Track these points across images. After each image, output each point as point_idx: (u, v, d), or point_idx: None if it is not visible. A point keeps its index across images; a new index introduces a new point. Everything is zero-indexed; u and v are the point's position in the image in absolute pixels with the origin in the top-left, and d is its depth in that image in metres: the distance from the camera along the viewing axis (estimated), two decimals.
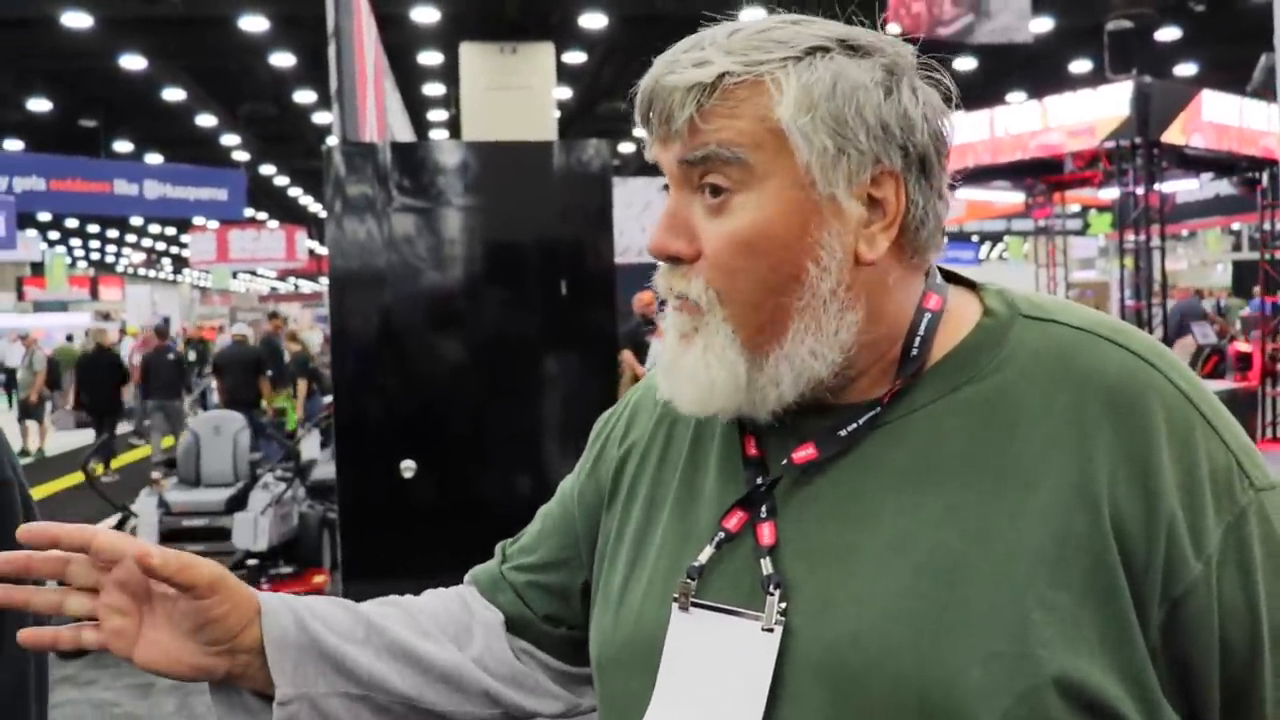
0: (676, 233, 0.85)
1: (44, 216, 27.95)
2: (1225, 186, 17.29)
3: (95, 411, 12.91)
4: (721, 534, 0.87)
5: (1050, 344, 0.85)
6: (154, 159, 23.42)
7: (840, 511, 0.84)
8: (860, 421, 0.85)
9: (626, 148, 23.16)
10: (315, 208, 35.99)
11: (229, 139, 23.09)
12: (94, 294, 34.73)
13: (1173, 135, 10.58)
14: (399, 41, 14.07)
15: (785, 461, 0.87)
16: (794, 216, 0.82)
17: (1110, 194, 12.93)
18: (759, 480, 0.88)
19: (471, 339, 5.17)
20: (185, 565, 0.87)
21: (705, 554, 0.87)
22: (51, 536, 0.86)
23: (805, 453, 0.86)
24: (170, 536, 6.26)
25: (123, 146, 23.45)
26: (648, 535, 0.95)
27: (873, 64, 0.82)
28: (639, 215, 15.21)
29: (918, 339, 0.86)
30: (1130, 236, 11.13)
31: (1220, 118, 11.08)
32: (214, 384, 12.36)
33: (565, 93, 18.98)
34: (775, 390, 0.85)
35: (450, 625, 1.04)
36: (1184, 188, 16.23)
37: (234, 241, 24.30)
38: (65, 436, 15.94)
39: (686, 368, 0.86)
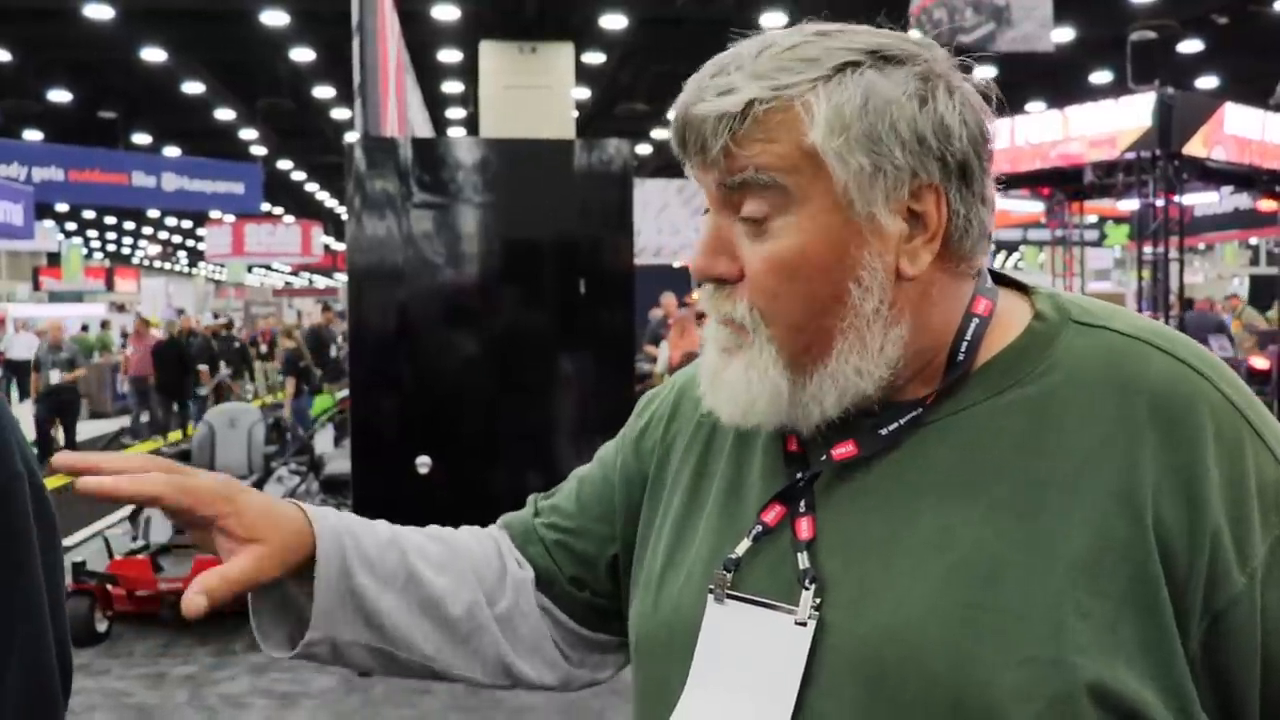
0: (719, 254, 0.85)
1: (61, 207, 28.08)
2: (1244, 200, 17.22)
3: (166, 395, 14.13)
4: (759, 527, 0.88)
5: (1099, 350, 0.84)
6: (172, 152, 23.49)
7: (879, 509, 0.84)
8: (902, 421, 0.85)
9: (644, 149, 23.17)
10: (332, 203, 36.08)
11: (247, 133, 23.16)
12: (109, 285, 34.86)
13: (1194, 147, 10.54)
14: (419, 38, 14.08)
15: (825, 457, 0.87)
16: (834, 238, 0.82)
17: (1129, 205, 12.87)
18: (798, 475, 0.88)
19: (489, 336, 5.17)
20: (184, 492, 0.86)
21: (742, 546, 0.88)
22: (91, 465, 0.86)
23: (845, 449, 0.86)
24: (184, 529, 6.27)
25: (141, 139, 23.55)
26: (689, 524, 0.95)
27: (905, 74, 0.81)
28: (656, 216, 15.22)
29: (964, 344, 0.86)
30: (1148, 248, 11.09)
31: (1243, 131, 11.03)
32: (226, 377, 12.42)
33: (584, 93, 18.99)
34: (818, 407, 0.85)
35: (488, 575, 1.04)
36: (1204, 200, 16.16)
37: (250, 235, 24.41)
38: (80, 426, 16.00)
39: (728, 382, 0.87)
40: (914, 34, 0.96)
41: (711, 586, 0.87)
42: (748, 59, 0.82)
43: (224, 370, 14.35)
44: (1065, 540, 0.78)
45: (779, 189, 0.81)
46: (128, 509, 7.01)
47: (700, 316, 0.92)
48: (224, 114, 21.46)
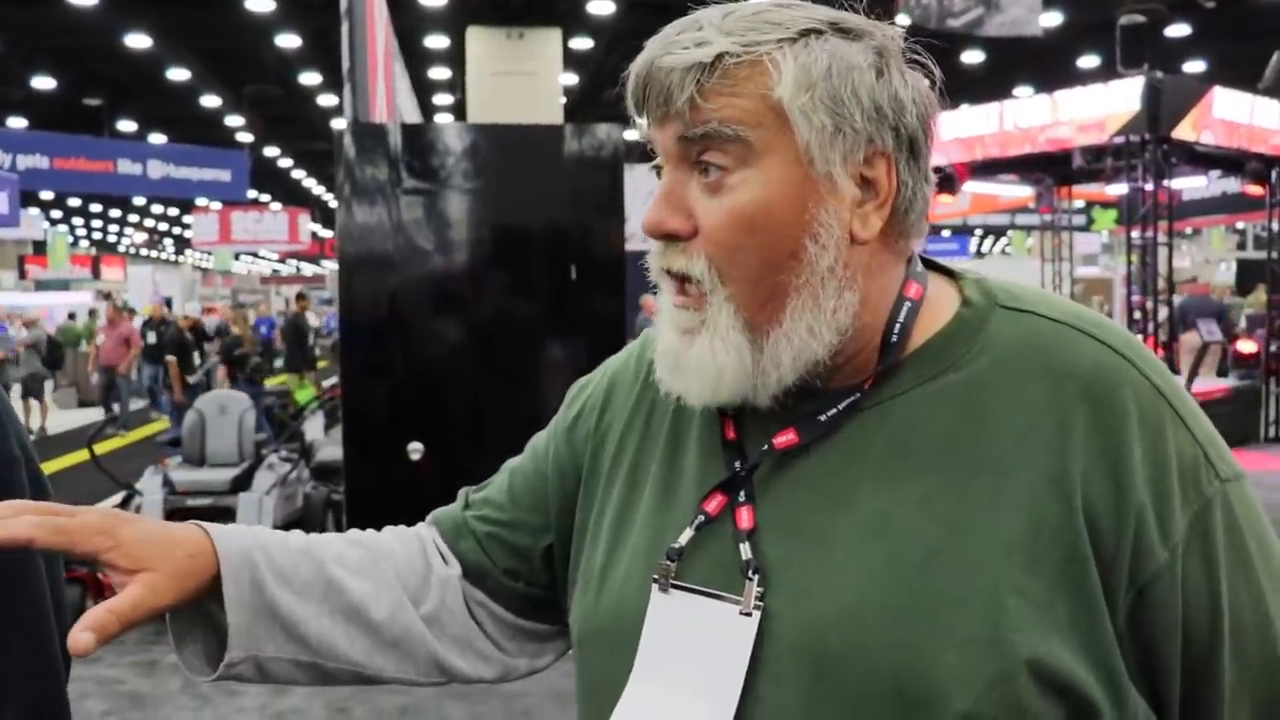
0: (673, 210, 0.85)
1: (47, 195, 27.91)
2: (1231, 184, 17.27)
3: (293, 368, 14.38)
4: (701, 517, 0.88)
5: (1027, 335, 0.86)
6: (158, 139, 23.38)
7: (819, 497, 0.85)
8: (840, 407, 0.87)
9: (632, 134, 23.08)
10: (319, 190, 35.96)
11: (233, 120, 23.05)
12: (96, 274, 34.69)
13: (1183, 131, 10.56)
14: (406, 24, 14.03)
15: (766, 447, 0.88)
16: (793, 193, 0.83)
17: (1117, 189, 12.90)
18: (738, 464, 0.89)
19: (480, 322, 5.16)
20: (65, 533, 0.84)
21: (685, 536, 0.88)
22: None
23: (786, 438, 0.87)
24: (174, 515, 6.26)
25: (126, 126, 23.42)
26: (628, 515, 0.96)
27: (864, 47, 0.84)
28: (645, 201, 15.17)
29: (897, 326, 0.87)
30: (1137, 233, 11.12)
31: (1231, 115, 11.06)
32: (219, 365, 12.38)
33: (571, 79, 18.94)
34: (776, 372, 0.85)
35: (411, 576, 1.03)
36: (1192, 184, 16.20)
37: (236, 223, 24.30)
38: (67, 415, 15.96)
39: (694, 362, 0.86)
40: (902, 19, 0.96)
41: (656, 576, 0.88)
42: (716, 18, 0.84)
43: (212, 359, 14.17)
44: (999, 523, 0.80)
45: (742, 142, 0.82)
46: (118, 495, 6.99)
47: (652, 290, 0.91)
48: (210, 101, 21.35)
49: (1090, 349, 0.85)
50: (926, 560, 0.80)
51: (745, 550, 0.85)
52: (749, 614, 0.83)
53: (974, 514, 0.80)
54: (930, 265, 0.94)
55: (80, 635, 0.80)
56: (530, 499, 1.07)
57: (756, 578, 0.84)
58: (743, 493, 0.88)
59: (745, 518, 0.87)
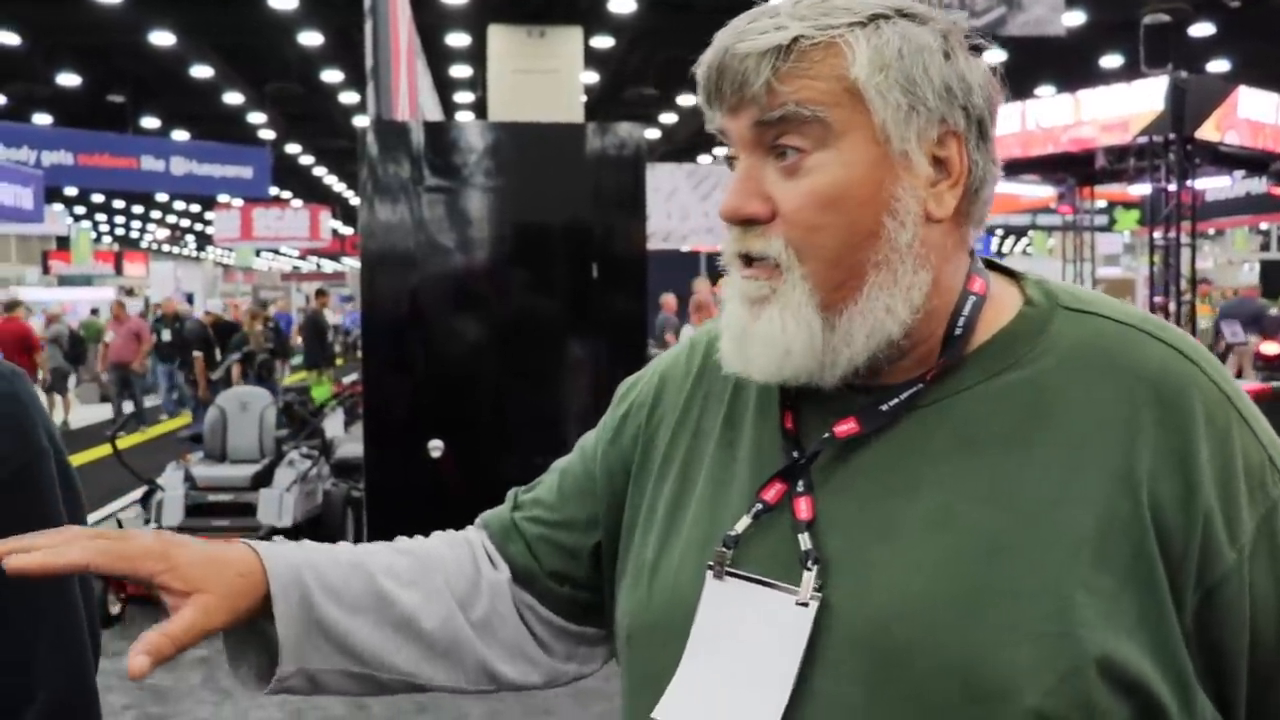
0: (751, 195, 0.86)
1: (70, 191, 28.10)
2: (1255, 185, 17.14)
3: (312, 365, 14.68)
4: (759, 505, 0.88)
5: (1091, 336, 0.87)
6: (181, 135, 23.49)
7: (881, 488, 0.85)
8: (903, 397, 0.87)
9: (652, 133, 23.11)
10: (340, 187, 36.07)
11: (255, 117, 23.14)
12: (118, 269, 34.93)
13: (1207, 131, 10.48)
14: (427, 22, 14.04)
15: (827, 435, 0.88)
16: (871, 172, 0.84)
17: (1140, 190, 12.82)
18: (795, 454, 0.89)
19: (501, 321, 5.17)
20: (122, 559, 0.85)
21: (743, 524, 0.88)
22: (19, 545, 0.84)
23: (847, 426, 0.87)
24: (196, 511, 6.29)
25: (150, 122, 23.53)
26: (681, 507, 0.95)
27: (930, 30, 0.86)
28: (665, 201, 15.20)
29: (962, 319, 0.88)
30: (1159, 233, 11.05)
31: (1256, 115, 10.97)
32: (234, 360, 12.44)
33: (592, 77, 18.94)
34: (847, 350, 0.86)
35: (460, 583, 1.03)
36: (1216, 185, 16.09)
37: (258, 220, 24.43)
38: (88, 410, 16.07)
39: (761, 333, 0.87)
40: None
41: (711, 563, 0.88)
42: (786, 6, 0.86)
43: (231, 356, 14.13)
44: (1068, 518, 0.80)
45: (820, 123, 0.84)
46: (140, 490, 7.03)
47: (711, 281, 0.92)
48: (232, 98, 21.43)
49: (1156, 351, 0.85)
50: (993, 554, 0.80)
51: (804, 540, 0.85)
52: (805, 604, 0.83)
53: (1040, 510, 0.81)
54: (990, 265, 0.95)
55: (136, 659, 0.81)
56: (579, 498, 1.06)
57: (816, 569, 0.83)
58: (801, 482, 0.88)
59: (804, 508, 0.87)
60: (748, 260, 0.88)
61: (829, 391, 0.89)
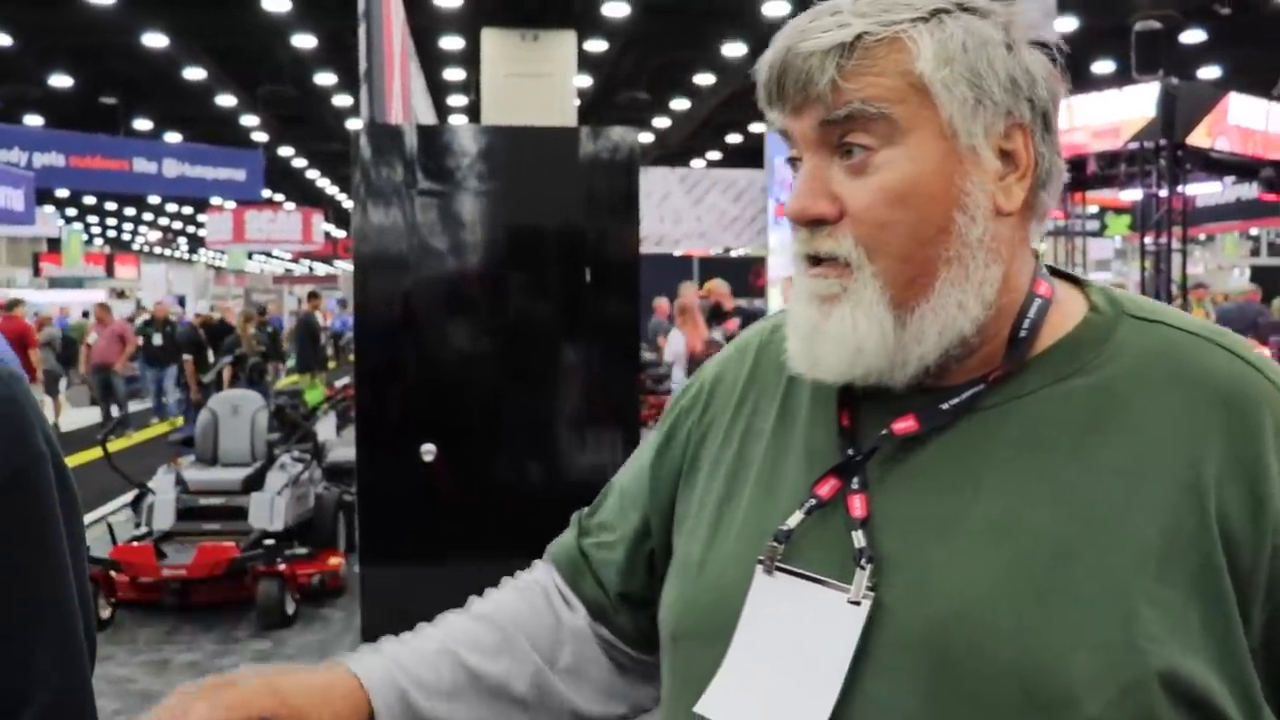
0: (818, 195, 0.85)
1: (62, 193, 28.02)
2: (1245, 190, 17.19)
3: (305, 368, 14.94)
4: (813, 500, 0.87)
5: (1158, 345, 0.86)
6: (173, 138, 23.43)
7: (939, 488, 0.84)
8: (964, 397, 0.86)
9: (645, 137, 23.11)
10: (332, 190, 36.01)
11: (248, 119, 23.09)
12: (110, 271, 34.83)
13: (1198, 138, 10.52)
14: (420, 25, 14.04)
15: (885, 432, 0.87)
16: (940, 167, 0.84)
17: (1131, 195, 12.86)
18: (850, 450, 0.88)
19: (494, 324, 5.16)
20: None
21: (795, 519, 0.87)
22: None
23: (906, 424, 0.86)
24: (187, 514, 6.27)
25: (142, 124, 23.48)
26: (731, 504, 0.95)
27: (992, 23, 0.85)
28: (658, 205, 15.21)
29: (1027, 321, 0.87)
30: (1150, 239, 11.08)
31: (1246, 121, 11.02)
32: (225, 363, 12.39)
33: (585, 81, 18.94)
34: (919, 348, 0.85)
35: (543, 637, 1.05)
36: (1206, 190, 16.14)
37: (250, 222, 24.35)
38: (79, 413, 16.01)
39: (832, 331, 0.86)
40: None
41: (761, 558, 0.87)
42: (846, 3, 0.85)
43: (222, 360, 14.01)
44: (1133, 527, 0.79)
45: (886, 120, 0.83)
46: (130, 494, 7.01)
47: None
48: (225, 100, 21.39)
49: (1223, 360, 0.84)
50: (1055, 560, 0.78)
51: (858, 538, 0.84)
52: (857, 603, 0.81)
53: (1105, 518, 0.79)
54: (1053, 271, 0.94)
55: None
56: (634, 511, 1.07)
57: (869, 568, 0.82)
58: (856, 479, 0.87)
59: (858, 505, 0.85)
60: (814, 260, 0.87)
61: (888, 391, 0.88)
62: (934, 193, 0.83)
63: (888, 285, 0.84)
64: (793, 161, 0.89)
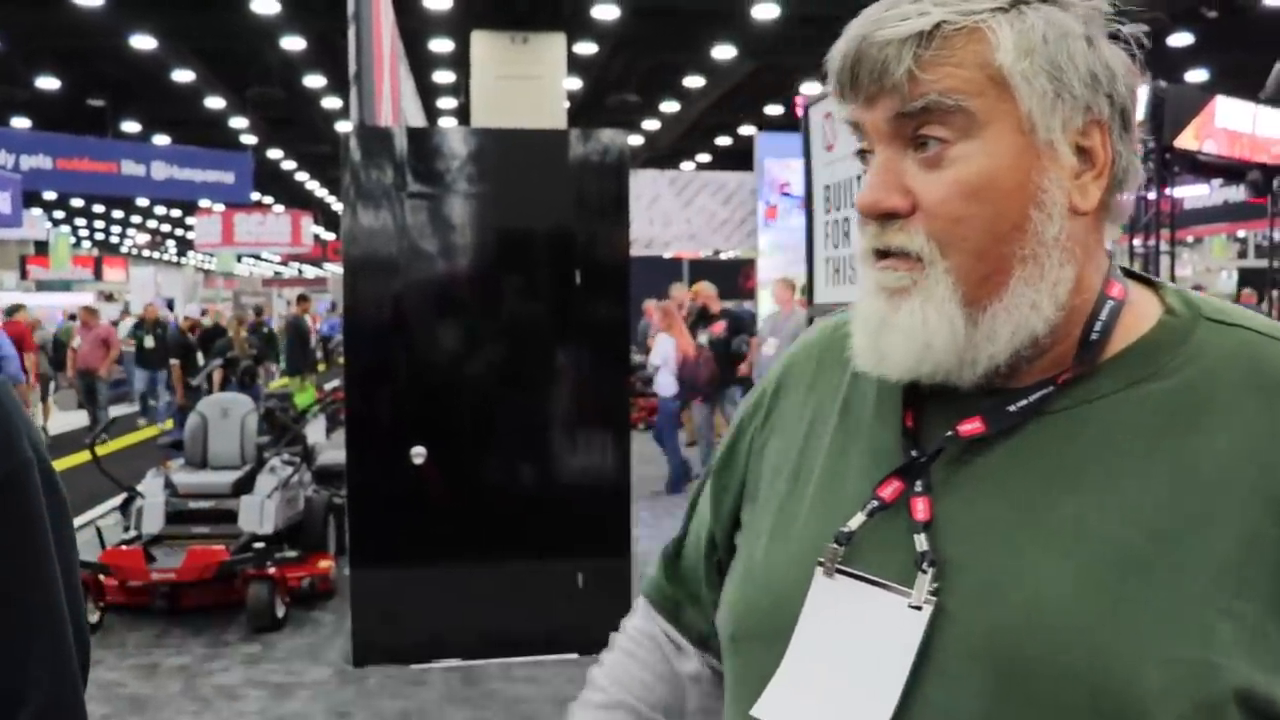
0: (890, 188, 0.83)
1: (49, 195, 27.91)
2: (1232, 193, 17.27)
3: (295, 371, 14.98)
4: (875, 502, 0.85)
5: (1238, 349, 0.84)
6: (161, 140, 23.37)
7: (1007, 493, 0.82)
8: (1031, 399, 0.84)
9: (634, 140, 23.12)
10: (321, 193, 35.95)
11: (237, 122, 23.05)
12: (98, 274, 34.70)
13: (1185, 140, 10.54)
14: (410, 27, 14.02)
15: (949, 434, 0.84)
16: (1017, 162, 0.81)
17: None
18: (914, 452, 0.86)
19: (484, 327, 5.16)
20: None
21: (856, 521, 0.85)
22: None
23: (972, 426, 0.84)
24: (176, 518, 6.25)
25: (130, 127, 23.40)
26: (792, 505, 0.93)
27: (1073, 15, 0.83)
28: (648, 207, 15.19)
29: (1099, 324, 0.85)
30: (1139, 241, 11.11)
31: (1233, 124, 11.05)
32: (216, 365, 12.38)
33: (575, 83, 18.94)
34: (990, 347, 0.83)
35: (667, 695, 1.08)
36: (1194, 193, 16.21)
37: (239, 225, 24.30)
38: (67, 416, 15.94)
39: (901, 325, 0.83)
40: None
41: (821, 560, 0.85)
42: None
43: (212, 362, 13.92)
44: (1210, 539, 0.76)
45: (964, 113, 0.81)
46: (119, 498, 6.98)
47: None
48: (214, 102, 21.34)
49: None
50: (1128, 570, 0.76)
51: (920, 542, 0.81)
52: (918, 608, 0.80)
53: (1182, 529, 0.76)
54: (1127, 273, 0.92)
55: None
56: (704, 527, 1.06)
57: (931, 571, 0.80)
58: (920, 482, 0.84)
59: (921, 508, 0.83)
60: (882, 254, 0.85)
61: (954, 391, 0.85)
62: (1010, 188, 0.81)
63: (960, 282, 0.82)
64: (862, 154, 0.87)
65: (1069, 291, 0.83)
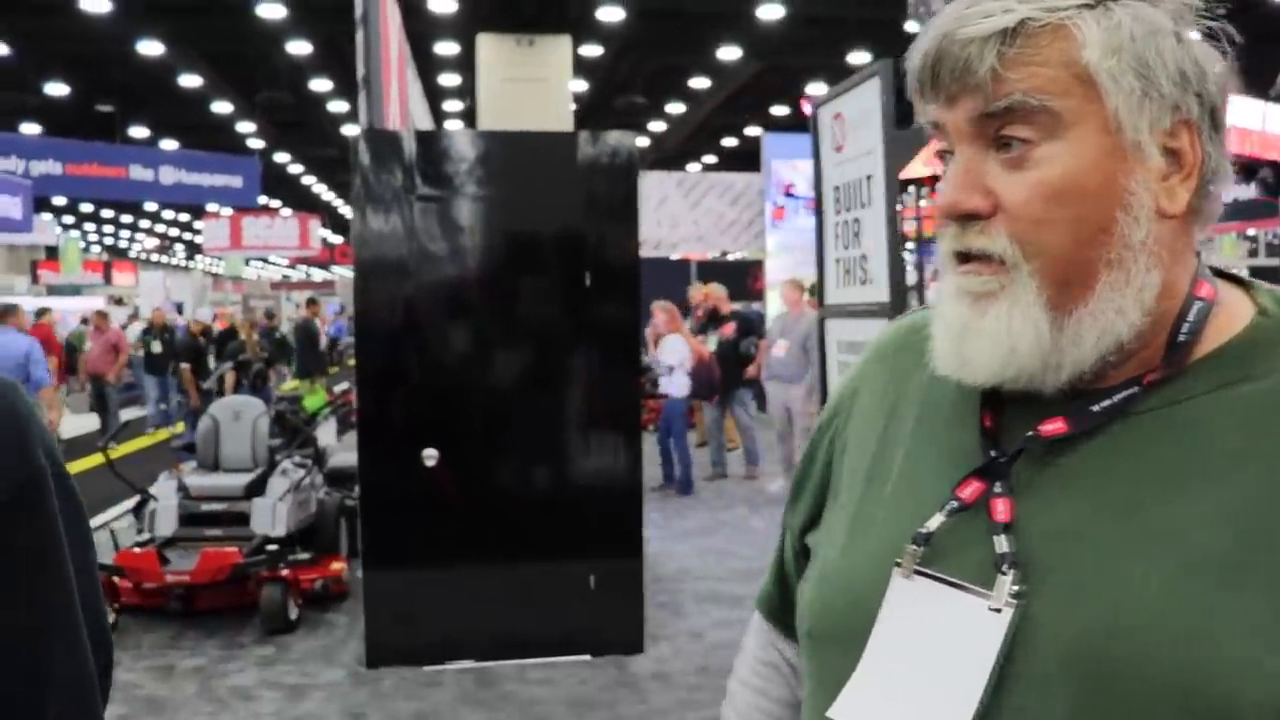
0: (971, 190, 0.82)
1: (59, 200, 28.01)
2: (1243, 191, 17.22)
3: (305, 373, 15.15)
4: (954, 503, 0.84)
5: None
6: (170, 145, 23.43)
7: (1091, 495, 0.80)
8: (1117, 399, 0.82)
9: (642, 141, 23.13)
10: (329, 196, 36.00)
11: (244, 126, 23.10)
12: (107, 279, 34.82)
13: None
14: (416, 30, 14.04)
15: (1031, 434, 0.83)
16: (1103, 164, 0.79)
17: None
18: (994, 452, 0.84)
19: (495, 329, 5.18)
20: None
21: (934, 521, 0.84)
22: None
23: (1054, 426, 0.82)
24: (189, 521, 6.28)
25: (139, 132, 23.48)
26: (868, 506, 0.92)
27: (1163, 11, 0.81)
28: (655, 209, 15.20)
29: (1186, 325, 0.83)
30: None
31: (1243, 122, 11.03)
32: (228, 368, 12.42)
33: (581, 86, 18.97)
34: (1075, 352, 0.81)
35: None
36: None
37: (247, 229, 24.33)
38: (79, 419, 16.00)
39: (986, 330, 0.82)
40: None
41: (899, 560, 0.84)
42: None
43: (223, 365, 13.95)
44: None
45: (1048, 113, 0.79)
46: (132, 501, 7.01)
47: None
48: (221, 107, 21.40)
49: None
50: (1221, 577, 0.74)
51: (1001, 543, 0.80)
52: (998, 610, 0.78)
53: (1276, 535, 0.74)
54: (1217, 273, 0.90)
55: None
56: (790, 534, 1.06)
57: (1013, 573, 0.78)
58: (1000, 483, 0.82)
59: (1002, 509, 0.81)
60: (964, 257, 0.83)
61: (1035, 394, 0.84)
62: (1095, 190, 0.79)
63: (1044, 285, 0.80)
64: (942, 155, 0.85)
65: (1155, 297, 0.81)
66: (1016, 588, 0.78)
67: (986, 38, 0.78)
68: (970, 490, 0.84)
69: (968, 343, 0.83)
